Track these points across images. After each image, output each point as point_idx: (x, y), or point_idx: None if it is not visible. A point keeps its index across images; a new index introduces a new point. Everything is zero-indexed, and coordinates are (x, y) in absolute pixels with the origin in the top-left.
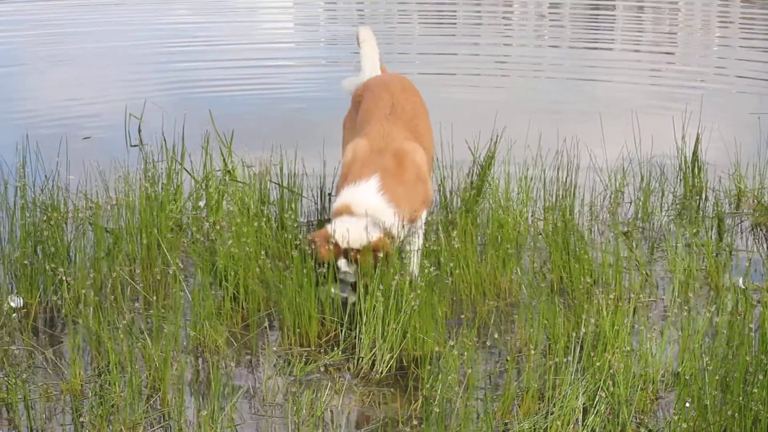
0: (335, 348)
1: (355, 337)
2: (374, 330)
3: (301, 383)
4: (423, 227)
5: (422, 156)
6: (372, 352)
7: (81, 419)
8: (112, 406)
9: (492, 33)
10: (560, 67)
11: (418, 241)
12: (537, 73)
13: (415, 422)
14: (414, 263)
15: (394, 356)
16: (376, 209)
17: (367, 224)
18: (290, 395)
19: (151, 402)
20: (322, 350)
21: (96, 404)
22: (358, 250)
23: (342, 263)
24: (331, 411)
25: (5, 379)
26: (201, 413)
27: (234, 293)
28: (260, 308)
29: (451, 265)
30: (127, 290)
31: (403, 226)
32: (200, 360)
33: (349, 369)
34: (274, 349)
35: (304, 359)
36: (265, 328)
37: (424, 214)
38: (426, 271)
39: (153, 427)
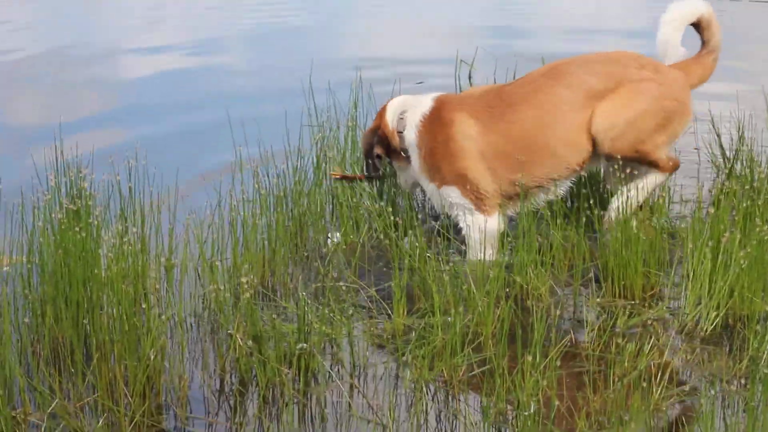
0: (659, 303)
1: (681, 293)
2: (701, 287)
3: (623, 336)
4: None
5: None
6: (697, 310)
7: (403, 358)
8: (434, 347)
9: None
10: None
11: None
12: None
13: (740, 382)
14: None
15: (720, 314)
16: None
17: None
18: (613, 347)
19: (473, 346)
20: (646, 304)
21: (418, 345)
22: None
23: None
24: (654, 365)
25: (331, 315)
26: (524, 359)
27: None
28: (585, 259)
29: None
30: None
31: None
32: (522, 308)
33: (673, 325)
34: (598, 300)
35: (627, 312)
36: (590, 279)
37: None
38: (758, 229)
39: (473, 370)
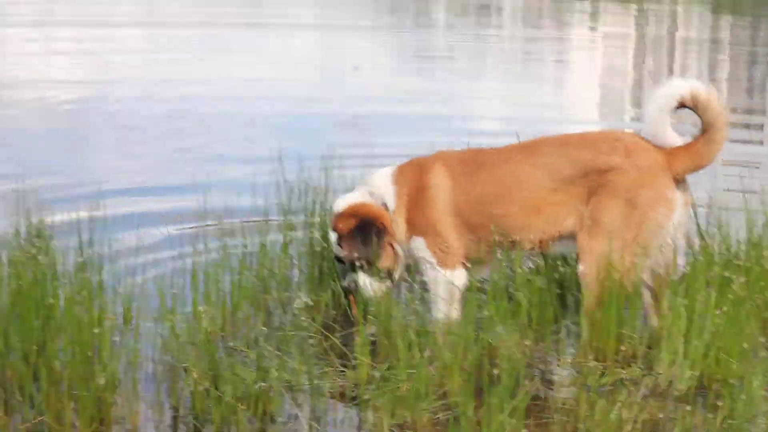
0: (632, 364)
1: (654, 355)
2: (675, 347)
3: (594, 392)
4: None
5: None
6: (671, 369)
7: (366, 404)
8: (398, 396)
9: None
10: None
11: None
12: None
13: None
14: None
15: (695, 374)
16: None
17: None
18: (583, 402)
19: (438, 394)
20: (618, 365)
21: (382, 393)
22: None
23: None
24: (624, 420)
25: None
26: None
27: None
28: (556, 320)
29: (762, 284)
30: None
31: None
32: (491, 364)
33: (646, 384)
34: (569, 360)
35: (599, 372)
36: (560, 339)
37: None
38: (733, 286)
39: (437, 415)
